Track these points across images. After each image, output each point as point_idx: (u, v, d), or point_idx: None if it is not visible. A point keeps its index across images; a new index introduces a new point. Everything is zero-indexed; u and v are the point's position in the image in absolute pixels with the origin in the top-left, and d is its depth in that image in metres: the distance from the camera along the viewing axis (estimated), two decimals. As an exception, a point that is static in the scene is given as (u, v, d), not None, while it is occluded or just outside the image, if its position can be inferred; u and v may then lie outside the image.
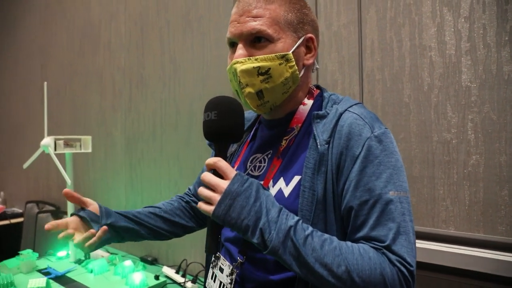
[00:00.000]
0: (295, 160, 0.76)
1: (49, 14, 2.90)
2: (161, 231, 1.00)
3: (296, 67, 0.76)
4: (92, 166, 2.42)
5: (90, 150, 1.91)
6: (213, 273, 0.83)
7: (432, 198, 1.21)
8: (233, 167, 0.83)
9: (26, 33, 3.17)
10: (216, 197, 0.65)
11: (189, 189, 1.14)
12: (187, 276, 1.66)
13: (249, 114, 0.96)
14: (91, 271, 1.71)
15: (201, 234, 1.74)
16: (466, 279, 1.14)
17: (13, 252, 2.47)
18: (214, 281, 0.82)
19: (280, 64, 0.74)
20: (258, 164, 0.82)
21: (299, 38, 0.77)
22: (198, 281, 1.64)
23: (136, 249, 2.10)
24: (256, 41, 0.74)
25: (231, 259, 0.80)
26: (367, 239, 0.66)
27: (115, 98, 2.28)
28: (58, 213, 2.51)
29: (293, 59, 0.75)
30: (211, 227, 0.71)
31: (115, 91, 2.28)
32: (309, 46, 0.79)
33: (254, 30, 0.73)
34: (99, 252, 1.94)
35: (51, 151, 1.76)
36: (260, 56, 0.73)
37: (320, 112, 0.75)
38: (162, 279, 1.66)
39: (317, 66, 0.84)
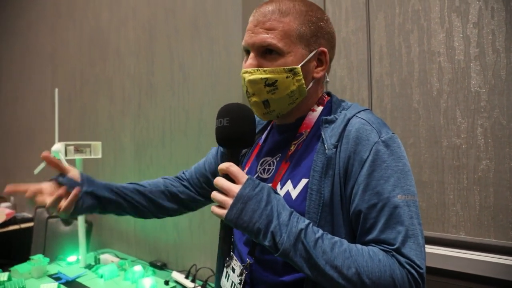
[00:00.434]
0: (303, 163, 0.77)
1: (60, 21, 2.95)
2: (144, 209, 1.01)
3: (304, 81, 0.77)
4: (102, 171, 2.45)
5: (100, 156, 1.93)
6: (226, 272, 0.85)
7: (442, 203, 1.21)
8: (243, 169, 0.85)
9: (37, 40, 3.22)
10: (229, 201, 0.67)
11: (183, 172, 1.13)
12: (197, 281, 1.67)
13: None
14: (101, 276, 1.72)
15: (210, 239, 1.76)
16: (477, 284, 1.14)
17: (23, 257, 2.50)
18: (227, 280, 0.84)
19: (287, 77, 0.75)
20: (267, 167, 0.84)
21: (310, 52, 0.78)
22: (208, 286, 1.64)
23: (145, 254, 2.12)
24: (267, 52, 0.76)
25: (241, 260, 0.82)
26: (377, 242, 0.67)
27: (125, 105, 2.30)
28: (68, 218, 2.53)
29: (301, 73, 0.76)
30: (224, 230, 0.73)
31: (125, 98, 2.31)
32: (320, 59, 0.80)
33: (265, 43, 0.75)
34: (109, 257, 1.96)
35: (61, 157, 1.78)
36: (269, 68, 0.75)
37: (329, 117, 0.76)
38: (171, 284, 1.67)
39: (328, 79, 0.85)
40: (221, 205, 0.68)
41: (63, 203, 0.85)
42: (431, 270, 1.17)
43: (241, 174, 0.69)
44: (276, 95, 0.76)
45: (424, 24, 1.23)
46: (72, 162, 1.84)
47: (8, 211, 2.72)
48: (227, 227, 0.72)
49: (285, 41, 0.75)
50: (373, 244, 0.67)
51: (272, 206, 0.66)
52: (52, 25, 3.02)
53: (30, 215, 3.05)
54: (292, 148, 0.80)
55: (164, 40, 2.03)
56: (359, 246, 0.66)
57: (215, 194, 0.69)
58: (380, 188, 0.67)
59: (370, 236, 0.67)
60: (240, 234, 0.85)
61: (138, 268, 1.74)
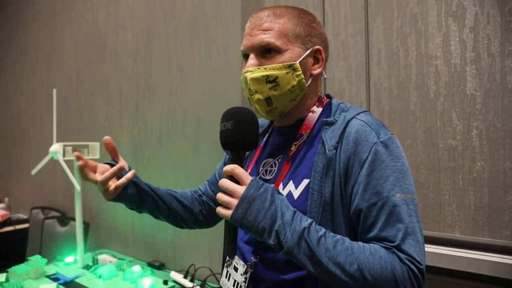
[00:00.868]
0: (304, 164, 0.79)
1: (55, 22, 2.93)
2: (175, 212, 1.03)
3: (303, 76, 0.80)
4: (98, 172, 2.44)
5: (98, 156, 1.93)
6: (227, 272, 0.87)
7: (438, 203, 1.24)
8: (246, 170, 0.87)
9: (32, 40, 3.19)
10: (234, 201, 0.69)
11: (199, 188, 1.16)
12: (196, 281, 1.68)
13: (263, 121, 1.00)
14: (100, 277, 1.72)
15: (208, 239, 1.77)
16: (472, 282, 1.17)
17: (19, 258, 2.49)
18: (229, 280, 0.85)
19: (287, 73, 0.79)
20: (269, 168, 0.87)
21: (306, 50, 0.82)
22: (206, 286, 1.66)
23: (143, 254, 2.12)
24: (266, 52, 0.80)
25: (244, 259, 0.84)
26: (377, 239, 0.69)
27: (122, 106, 2.30)
28: (65, 219, 2.53)
29: (300, 69, 0.80)
30: (229, 230, 0.75)
31: (122, 99, 2.31)
32: (317, 57, 0.84)
33: (264, 42, 0.79)
34: (107, 257, 1.96)
35: (60, 157, 1.78)
36: (269, 66, 0.79)
37: (329, 119, 0.79)
38: (170, 284, 1.68)
39: (325, 76, 0.89)
40: (226, 206, 0.70)
41: (112, 185, 0.87)
42: (427, 269, 1.18)
43: (246, 176, 0.71)
44: (278, 91, 0.79)
45: (422, 28, 1.26)
46: (70, 162, 1.84)
47: (2, 212, 2.70)
48: (232, 227, 0.74)
49: (282, 40, 0.79)
50: (374, 242, 0.69)
51: (276, 206, 0.68)
52: (48, 25, 3.01)
53: (25, 216, 3.03)
54: (293, 148, 0.83)
55: (162, 41, 2.04)
56: (360, 243, 0.68)
57: (220, 195, 0.71)
58: (379, 187, 0.69)
59: (371, 234, 0.69)
60: (242, 233, 0.87)
61: (136, 268, 1.74)
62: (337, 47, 1.45)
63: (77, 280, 1.70)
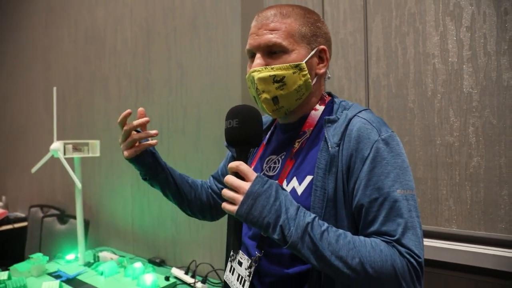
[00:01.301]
0: (307, 161, 0.81)
1: (52, 18, 2.91)
2: (183, 195, 1.06)
3: (309, 76, 0.82)
4: (98, 170, 2.45)
5: (98, 154, 1.94)
6: (231, 266, 0.89)
7: (435, 198, 1.27)
8: (250, 167, 0.89)
9: (29, 37, 3.17)
10: (239, 197, 0.70)
11: (211, 176, 1.19)
12: (197, 277, 1.70)
13: (265, 118, 1.02)
14: (102, 273, 1.73)
15: (209, 235, 1.79)
16: (468, 274, 1.20)
17: (18, 256, 2.49)
18: (233, 274, 0.87)
19: (294, 73, 0.80)
20: (273, 165, 0.89)
21: (312, 49, 0.83)
22: (208, 281, 1.68)
23: (143, 251, 2.14)
24: (272, 52, 0.82)
25: (248, 253, 0.86)
26: (378, 233, 0.71)
27: (121, 103, 2.31)
28: (64, 216, 2.53)
29: (306, 68, 0.81)
30: (234, 226, 0.77)
31: (121, 96, 2.31)
32: (321, 56, 0.86)
33: (271, 43, 0.80)
34: (108, 254, 1.97)
35: (60, 155, 1.79)
36: (276, 66, 0.80)
37: (331, 117, 0.81)
38: (172, 280, 1.69)
39: (329, 76, 0.90)
40: (231, 202, 0.72)
41: (145, 143, 0.93)
42: (425, 262, 1.22)
43: (251, 172, 0.72)
44: (285, 90, 0.81)
45: (420, 27, 1.29)
46: (70, 160, 1.84)
47: (0, 210, 2.69)
48: (237, 222, 0.76)
49: (289, 40, 0.80)
50: (375, 236, 0.71)
51: (281, 202, 0.69)
52: (45, 22, 2.99)
53: (23, 215, 3.02)
54: (296, 145, 0.85)
55: (162, 38, 2.05)
56: (362, 237, 0.70)
57: (226, 191, 0.73)
58: (380, 183, 0.72)
59: (372, 229, 0.72)
60: (246, 228, 0.89)
61: (138, 264, 1.76)
62: (337, 45, 1.47)
63: (79, 277, 1.71)
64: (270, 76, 0.80)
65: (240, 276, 0.84)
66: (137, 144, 0.92)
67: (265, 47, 0.81)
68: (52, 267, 1.85)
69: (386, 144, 0.74)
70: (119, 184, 2.30)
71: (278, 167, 0.87)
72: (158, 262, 1.97)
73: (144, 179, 1.00)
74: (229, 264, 0.91)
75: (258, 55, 0.82)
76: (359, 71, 1.42)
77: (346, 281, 0.68)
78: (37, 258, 1.77)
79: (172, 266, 1.88)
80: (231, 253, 0.90)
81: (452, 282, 1.23)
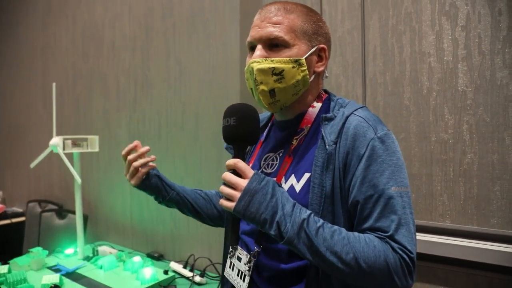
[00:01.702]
0: (305, 159, 0.83)
1: (50, 15, 2.90)
2: (199, 209, 1.13)
3: (307, 72, 0.83)
4: (96, 165, 2.46)
5: (97, 150, 1.95)
6: (231, 262, 0.91)
7: (430, 194, 1.30)
8: (247, 164, 0.91)
9: (27, 34, 3.16)
10: (237, 194, 0.72)
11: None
12: (195, 271, 1.73)
13: (262, 115, 1.03)
14: (101, 267, 1.75)
15: (207, 229, 1.82)
16: (461, 268, 1.23)
17: (16, 251, 2.50)
18: (233, 270, 0.89)
19: (293, 67, 0.81)
20: (271, 162, 0.90)
21: (312, 47, 0.84)
22: (206, 275, 1.70)
23: (142, 245, 2.16)
24: (273, 45, 0.83)
25: (247, 249, 0.88)
26: (372, 229, 0.73)
27: (120, 99, 2.31)
28: (62, 211, 2.54)
29: (305, 64, 0.82)
30: (232, 222, 0.79)
31: (119, 92, 2.32)
32: (321, 55, 0.87)
33: (272, 36, 0.81)
34: (107, 249, 1.99)
35: (60, 150, 1.80)
36: (276, 58, 0.81)
37: (328, 115, 0.82)
38: (170, 274, 1.72)
39: (327, 75, 0.92)
40: (229, 198, 0.73)
41: (145, 168, 1.04)
42: (419, 256, 1.24)
43: (248, 169, 0.74)
44: (283, 84, 0.82)
45: (416, 26, 1.31)
46: (70, 155, 1.85)
47: (-2, 205, 2.70)
48: (235, 219, 0.78)
49: (290, 35, 0.81)
50: (369, 232, 0.73)
51: (277, 199, 0.71)
52: (43, 19, 2.98)
53: (20, 210, 3.03)
54: (294, 142, 0.86)
55: (161, 35, 2.06)
56: (356, 233, 0.72)
57: (223, 188, 0.74)
58: (376, 180, 0.73)
59: (366, 225, 0.73)
60: (244, 225, 0.90)
61: (137, 258, 1.78)
62: (334, 43, 1.49)
63: (78, 271, 1.73)
64: (269, 68, 0.81)
65: (240, 271, 0.86)
66: (139, 170, 1.03)
67: (266, 40, 0.82)
68: (52, 261, 1.87)
69: (382, 142, 0.76)
70: (117, 180, 2.31)
71: (276, 164, 0.88)
72: (156, 257, 1.99)
73: (159, 202, 1.09)
74: (228, 261, 0.92)
75: (259, 47, 0.83)
76: (356, 68, 1.45)
77: (341, 276, 0.70)
78: (37, 252, 1.79)
79: (170, 260, 1.90)
80: (230, 249, 0.92)
81: (443, 274, 1.26)
